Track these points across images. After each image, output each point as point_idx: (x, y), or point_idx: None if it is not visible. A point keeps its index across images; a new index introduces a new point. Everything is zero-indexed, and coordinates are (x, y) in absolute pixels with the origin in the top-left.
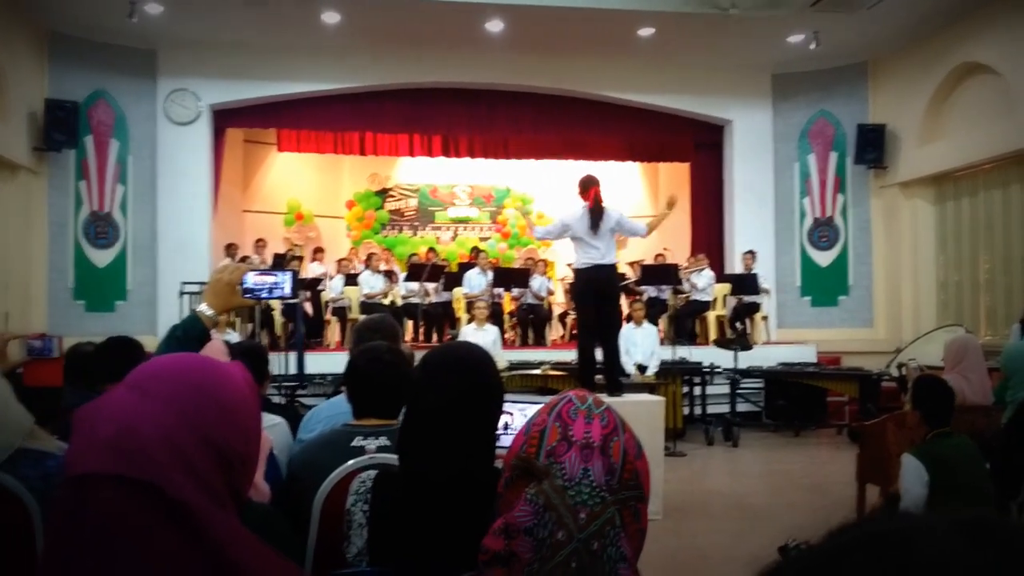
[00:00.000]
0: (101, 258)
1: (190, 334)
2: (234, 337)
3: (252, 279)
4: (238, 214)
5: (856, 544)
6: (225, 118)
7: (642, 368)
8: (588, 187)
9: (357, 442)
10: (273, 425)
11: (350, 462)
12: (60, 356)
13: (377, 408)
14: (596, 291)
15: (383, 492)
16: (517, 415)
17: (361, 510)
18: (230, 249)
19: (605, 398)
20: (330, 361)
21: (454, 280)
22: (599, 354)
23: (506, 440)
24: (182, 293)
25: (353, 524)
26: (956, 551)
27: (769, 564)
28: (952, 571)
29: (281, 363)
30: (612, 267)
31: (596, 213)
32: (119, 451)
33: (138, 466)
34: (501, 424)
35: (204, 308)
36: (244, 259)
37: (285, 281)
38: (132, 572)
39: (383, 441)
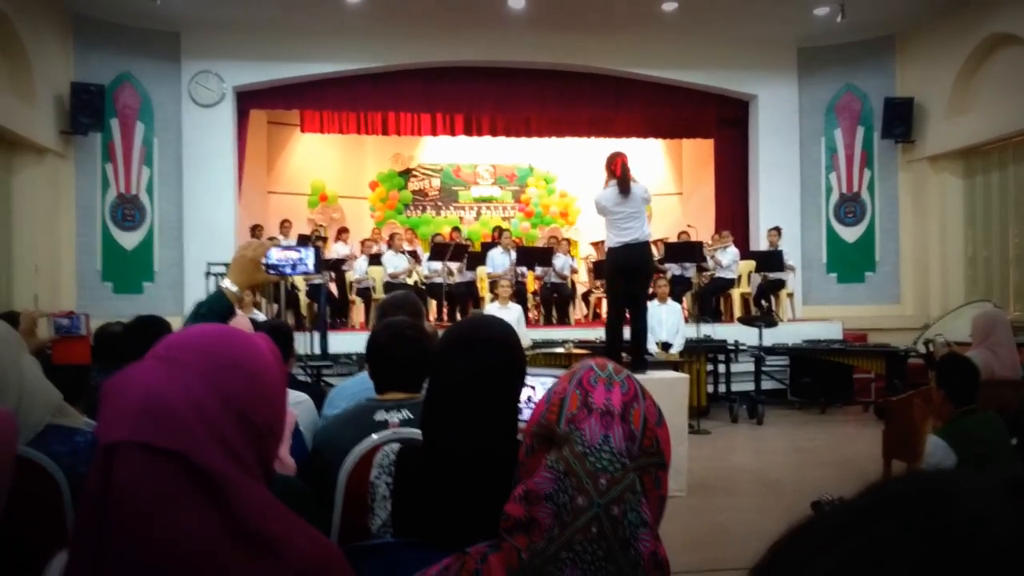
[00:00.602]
0: (128, 240)
1: (215, 310)
2: (260, 316)
3: (275, 255)
4: (263, 195)
5: (895, 499)
6: (249, 100)
7: (666, 346)
8: (614, 159)
9: (380, 416)
10: (298, 402)
11: (374, 436)
12: (87, 334)
13: (399, 382)
14: (628, 269)
15: (406, 465)
16: (539, 388)
17: (385, 483)
18: (255, 230)
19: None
20: (355, 340)
21: (477, 259)
22: (627, 332)
23: (528, 413)
24: (208, 274)
25: (377, 496)
26: (998, 508)
27: (801, 519)
28: (994, 527)
29: (307, 342)
30: (645, 244)
31: (623, 182)
32: (148, 420)
33: (167, 434)
34: (523, 397)
35: (228, 284)
36: (271, 239)
37: (308, 257)
38: (163, 541)
39: (405, 414)
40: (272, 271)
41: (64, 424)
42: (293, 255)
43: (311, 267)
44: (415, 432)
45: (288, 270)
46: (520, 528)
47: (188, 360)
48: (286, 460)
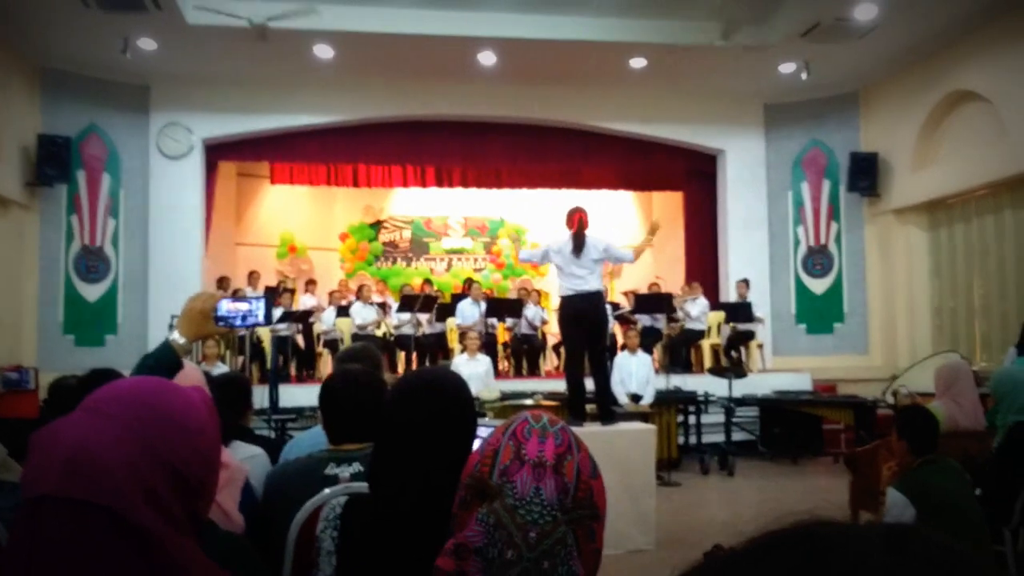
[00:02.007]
0: (92, 292)
1: (161, 363)
2: (222, 369)
3: (225, 307)
4: (231, 247)
5: (774, 547)
6: (217, 152)
7: (636, 397)
8: (572, 214)
9: (330, 470)
10: (252, 456)
11: (326, 491)
12: (36, 388)
13: (352, 432)
14: (581, 319)
15: (352, 518)
16: None
17: (330, 536)
18: (222, 283)
19: (598, 426)
20: None
21: (447, 311)
22: (590, 383)
23: None
24: (171, 327)
25: (322, 551)
26: (871, 557)
27: (690, 565)
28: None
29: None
30: (596, 294)
31: (579, 238)
32: (75, 474)
33: (95, 489)
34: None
35: (176, 336)
36: (236, 292)
37: (258, 308)
38: None
39: (356, 468)
40: (222, 323)
41: (6, 479)
42: (243, 307)
43: (261, 318)
44: (365, 487)
45: (238, 322)
46: None
47: (117, 413)
48: (233, 516)
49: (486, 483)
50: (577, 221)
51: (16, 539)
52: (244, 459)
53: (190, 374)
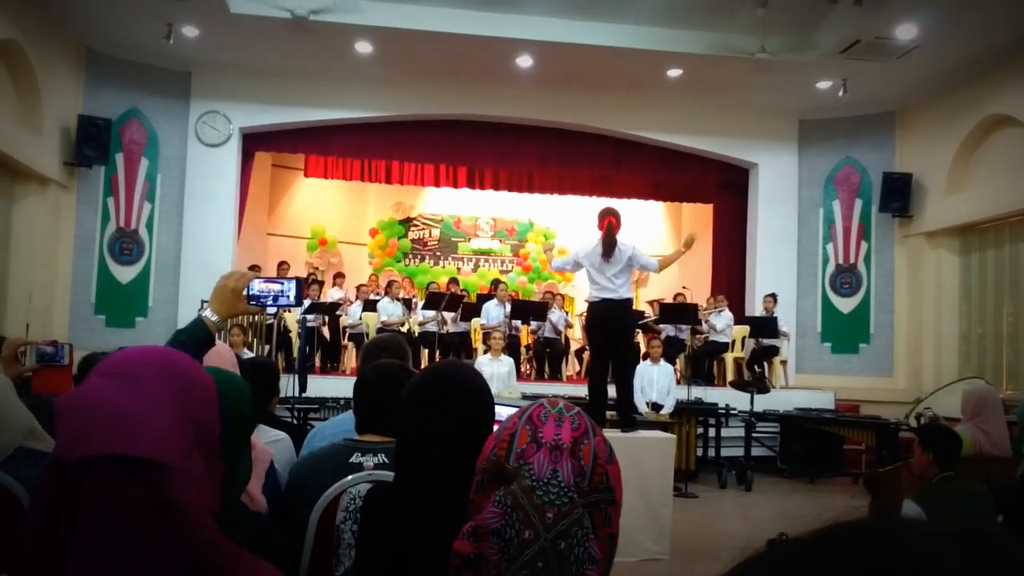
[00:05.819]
0: (124, 274)
1: (194, 339)
2: (248, 356)
3: (257, 286)
4: (262, 237)
5: (847, 536)
6: (255, 141)
7: (656, 406)
8: (603, 217)
9: (355, 458)
10: (276, 440)
11: (348, 478)
12: (70, 363)
13: (381, 425)
14: (607, 326)
15: (372, 511)
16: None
17: (350, 529)
18: (253, 271)
19: (617, 433)
20: (345, 385)
21: (472, 311)
22: (612, 390)
23: None
24: (201, 310)
25: (342, 543)
26: (946, 553)
27: (756, 550)
28: (938, 564)
29: (296, 385)
30: (625, 301)
31: (607, 242)
32: (120, 432)
33: (141, 444)
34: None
35: (209, 314)
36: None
37: (290, 289)
38: (124, 554)
39: (381, 459)
40: (253, 302)
41: (36, 448)
42: (275, 287)
43: (292, 299)
44: (390, 475)
45: (270, 302)
46: (469, 566)
47: (149, 377)
48: (257, 498)
49: (503, 466)
50: (607, 225)
51: (45, 502)
52: (269, 443)
53: (222, 352)
